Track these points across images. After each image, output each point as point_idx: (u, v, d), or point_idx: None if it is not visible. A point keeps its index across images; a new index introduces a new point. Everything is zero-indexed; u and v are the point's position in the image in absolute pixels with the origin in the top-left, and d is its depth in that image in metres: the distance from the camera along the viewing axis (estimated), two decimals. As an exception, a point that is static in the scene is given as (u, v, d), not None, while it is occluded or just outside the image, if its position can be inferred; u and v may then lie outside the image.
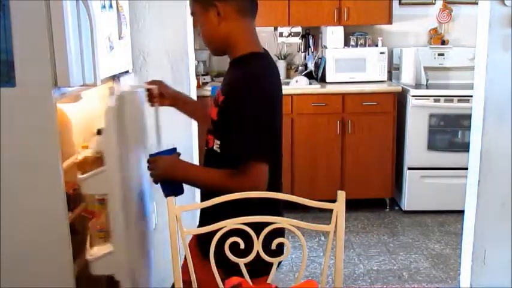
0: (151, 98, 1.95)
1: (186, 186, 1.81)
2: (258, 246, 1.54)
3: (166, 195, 1.76)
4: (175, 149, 1.86)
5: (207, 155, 1.76)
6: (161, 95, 1.96)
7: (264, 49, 1.72)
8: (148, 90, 1.97)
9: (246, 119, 1.56)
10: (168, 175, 1.76)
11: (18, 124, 1.89)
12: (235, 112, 1.57)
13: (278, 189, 1.69)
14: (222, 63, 4.67)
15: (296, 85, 4.20)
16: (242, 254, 1.54)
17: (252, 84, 1.56)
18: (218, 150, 1.67)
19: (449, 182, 4.07)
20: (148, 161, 1.80)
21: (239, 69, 1.64)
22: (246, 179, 1.56)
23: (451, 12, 4.55)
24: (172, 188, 1.78)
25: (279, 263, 1.65)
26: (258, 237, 1.53)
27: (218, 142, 1.67)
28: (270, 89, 1.62)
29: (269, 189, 1.59)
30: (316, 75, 4.54)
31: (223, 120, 1.62)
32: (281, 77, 1.88)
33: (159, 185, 1.81)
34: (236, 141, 1.58)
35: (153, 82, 1.98)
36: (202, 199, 1.69)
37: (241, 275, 1.56)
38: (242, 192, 1.53)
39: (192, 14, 1.71)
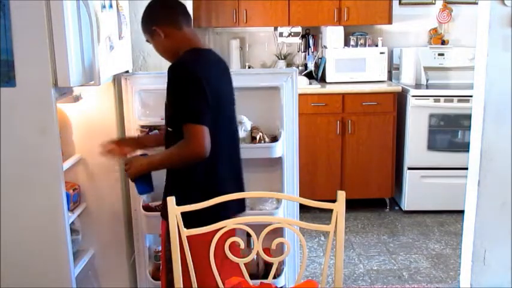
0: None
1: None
2: (258, 246, 1.54)
3: (139, 192, 2.15)
4: (146, 154, 2.13)
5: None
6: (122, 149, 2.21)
7: (207, 47, 2.07)
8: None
9: (179, 95, 1.86)
10: (139, 170, 2.01)
11: (18, 124, 1.90)
12: (172, 93, 1.89)
13: (220, 158, 1.93)
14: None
15: (296, 85, 4.19)
16: None
17: (177, 68, 1.90)
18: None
19: (449, 182, 4.06)
20: (124, 163, 2.07)
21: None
22: (187, 140, 1.83)
23: (451, 12, 4.55)
24: (143, 186, 2.09)
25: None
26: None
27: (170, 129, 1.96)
28: (194, 68, 1.89)
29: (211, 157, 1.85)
30: (316, 75, 4.54)
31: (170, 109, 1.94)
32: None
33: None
34: (177, 114, 1.88)
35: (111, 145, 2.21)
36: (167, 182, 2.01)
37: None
38: (241, 193, 1.54)
39: (147, 41, 2.08)
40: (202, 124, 1.82)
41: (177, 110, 1.88)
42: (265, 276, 2.04)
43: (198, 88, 1.85)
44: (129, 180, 2.51)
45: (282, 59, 4.61)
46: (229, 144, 2.00)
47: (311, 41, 4.62)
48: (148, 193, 2.21)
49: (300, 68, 4.63)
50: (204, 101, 1.85)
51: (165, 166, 1.99)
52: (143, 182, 2.08)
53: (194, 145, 1.82)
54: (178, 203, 1.57)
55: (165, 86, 2.47)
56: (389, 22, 4.32)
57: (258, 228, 1.52)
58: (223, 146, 1.95)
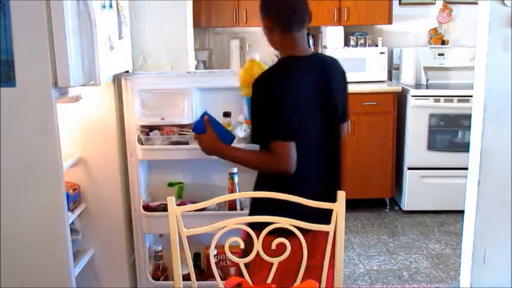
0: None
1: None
2: (258, 246, 1.54)
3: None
4: (203, 114, 2.07)
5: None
6: None
7: (307, 52, 1.96)
8: None
9: (262, 112, 1.84)
10: (211, 153, 2.04)
11: (18, 124, 1.89)
12: (256, 110, 1.87)
13: (310, 170, 1.90)
14: (222, 62, 4.67)
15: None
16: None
17: (259, 84, 1.86)
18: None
19: (449, 182, 4.06)
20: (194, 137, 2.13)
21: None
22: (275, 157, 1.82)
23: (451, 12, 4.55)
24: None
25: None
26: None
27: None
28: (276, 84, 1.85)
29: (301, 168, 1.82)
30: (316, 75, 4.54)
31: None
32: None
33: None
34: (262, 131, 1.87)
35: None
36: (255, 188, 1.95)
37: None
38: (241, 193, 1.53)
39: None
40: (288, 140, 1.81)
41: (261, 127, 1.86)
42: (265, 276, 2.04)
43: (280, 104, 1.82)
44: (129, 180, 2.52)
45: (282, 59, 4.61)
46: (314, 157, 1.93)
47: (311, 41, 4.61)
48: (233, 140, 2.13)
49: (300, 68, 4.62)
50: (287, 117, 1.82)
51: (241, 164, 1.99)
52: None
53: (280, 162, 1.82)
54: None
55: (165, 86, 2.47)
56: (389, 22, 4.33)
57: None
58: (309, 158, 1.89)
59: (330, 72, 2.00)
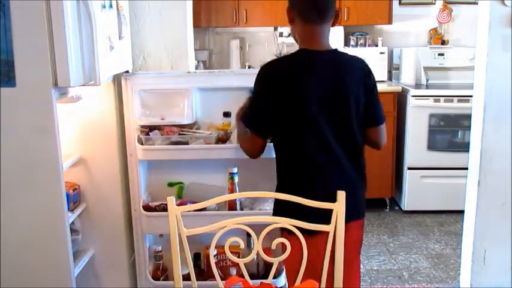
0: None
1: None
2: (258, 246, 1.54)
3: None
4: None
5: None
6: None
7: (324, 47, 1.94)
8: None
9: (252, 97, 2.00)
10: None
11: (18, 124, 1.89)
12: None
13: (305, 162, 1.93)
14: (222, 62, 4.67)
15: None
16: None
17: (259, 71, 1.95)
18: None
19: (449, 182, 4.06)
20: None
21: None
22: (245, 141, 2.04)
23: (451, 12, 4.55)
24: None
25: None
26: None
27: None
28: (268, 75, 1.93)
29: (292, 160, 1.93)
30: (316, 75, 4.53)
31: None
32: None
33: None
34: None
35: None
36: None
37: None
38: (242, 193, 1.53)
39: None
40: (252, 132, 1.95)
41: (249, 108, 2.00)
42: (265, 276, 2.04)
43: (264, 96, 1.91)
44: (129, 180, 2.52)
45: (282, 59, 4.61)
46: (316, 153, 1.92)
47: (311, 41, 4.61)
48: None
49: (300, 68, 4.62)
50: (263, 111, 1.91)
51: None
52: None
53: (248, 147, 2.03)
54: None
55: (165, 86, 2.49)
56: (389, 22, 4.32)
57: (258, 228, 1.52)
58: (309, 153, 1.92)
59: (345, 71, 1.96)
